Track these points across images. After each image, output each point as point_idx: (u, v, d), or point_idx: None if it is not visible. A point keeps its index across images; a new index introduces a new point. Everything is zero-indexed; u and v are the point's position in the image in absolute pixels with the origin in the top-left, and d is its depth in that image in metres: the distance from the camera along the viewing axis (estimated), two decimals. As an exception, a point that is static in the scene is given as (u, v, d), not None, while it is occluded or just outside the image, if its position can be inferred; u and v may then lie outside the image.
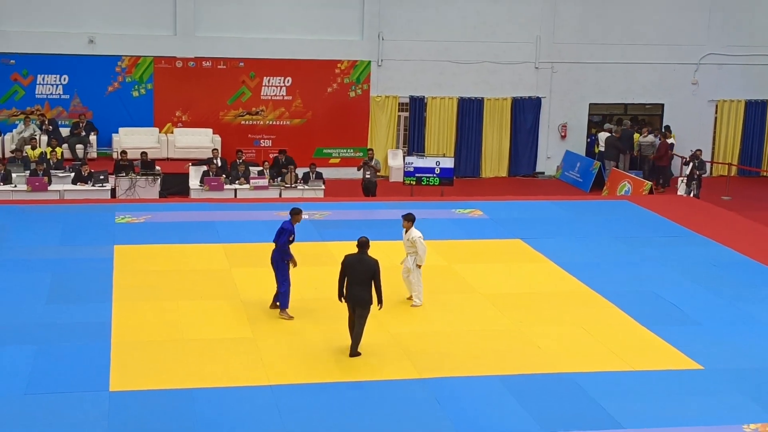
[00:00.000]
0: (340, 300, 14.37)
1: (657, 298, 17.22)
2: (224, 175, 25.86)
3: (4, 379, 13.08)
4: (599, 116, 33.02)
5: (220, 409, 12.48)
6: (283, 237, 15.53)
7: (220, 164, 26.42)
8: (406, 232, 16.30)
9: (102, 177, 25.12)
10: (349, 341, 14.24)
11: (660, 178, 30.35)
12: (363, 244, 14.27)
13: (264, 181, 25.71)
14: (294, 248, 15.76)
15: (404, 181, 27.62)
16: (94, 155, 28.54)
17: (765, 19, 33.19)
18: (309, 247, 19.09)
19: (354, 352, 14.13)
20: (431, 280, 17.82)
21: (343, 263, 14.29)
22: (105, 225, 20.85)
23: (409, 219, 16.29)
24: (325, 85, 30.72)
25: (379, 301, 14.22)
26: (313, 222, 21.32)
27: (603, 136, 31.73)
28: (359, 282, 14.00)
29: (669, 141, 31.09)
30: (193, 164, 26.94)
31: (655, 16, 32.44)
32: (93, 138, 28.72)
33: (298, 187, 25.84)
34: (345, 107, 30.92)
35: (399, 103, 31.39)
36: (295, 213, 15.80)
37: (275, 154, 27.87)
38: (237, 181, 25.78)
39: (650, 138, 31.22)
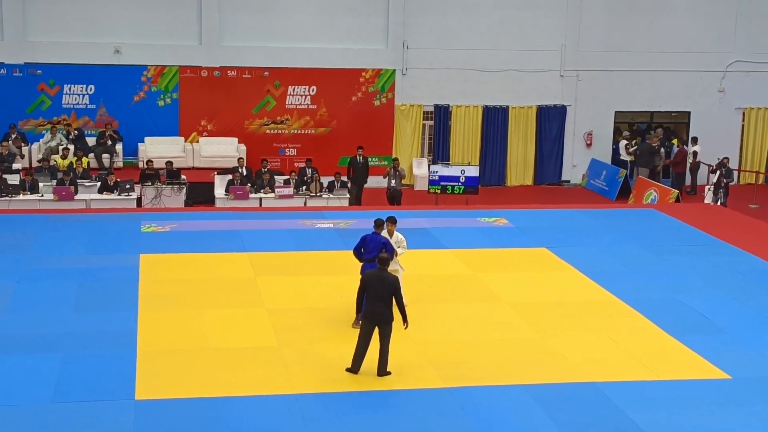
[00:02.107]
0: (358, 317, 14.34)
1: (684, 307, 17.09)
2: (249, 184, 25.91)
3: (31, 388, 13.13)
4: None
5: (245, 417, 12.47)
6: (390, 245, 15.56)
7: (245, 173, 26.49)
8: (392, 235, 16.26)
9: (128, 186, 25.23)
10: (375, 358, 13.88)
11: (678, 184, 30.07)
12: (383, 260, 14.08)
13: (289, 190, 25.74)
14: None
15: (429, 189, 27.59)
16: (120, 164, 28.73)
17: (792, 26, 33.03)
18: (334, 255, 19.11)
19: (383, 372, 13.80)
20: (456, 289, 17.80)
21: (363, 280, 14.16)
22: (131, 234, 20.92)
23: (394, 222, 16.24)
24: (349, 94, 30.77)
25: (404, 320, 13.95)
26: (338, 230, 21.33)
27: (622, 144, 31.66)
28: (380, 299, 13.71)
29: (694, 149, 30.91)
30: (218, 173, 27.04)
31: (681, 24, 32.28)
32: (119, 147, 28.89)
33: (323, 196, 25.86)
34: (370, 116, 30.96)
35: (424, 112, 31.41)
36: (378, 225, 15.85)
37: (302, 165, 27.93)
38: (262, 190, 25.83)
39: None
